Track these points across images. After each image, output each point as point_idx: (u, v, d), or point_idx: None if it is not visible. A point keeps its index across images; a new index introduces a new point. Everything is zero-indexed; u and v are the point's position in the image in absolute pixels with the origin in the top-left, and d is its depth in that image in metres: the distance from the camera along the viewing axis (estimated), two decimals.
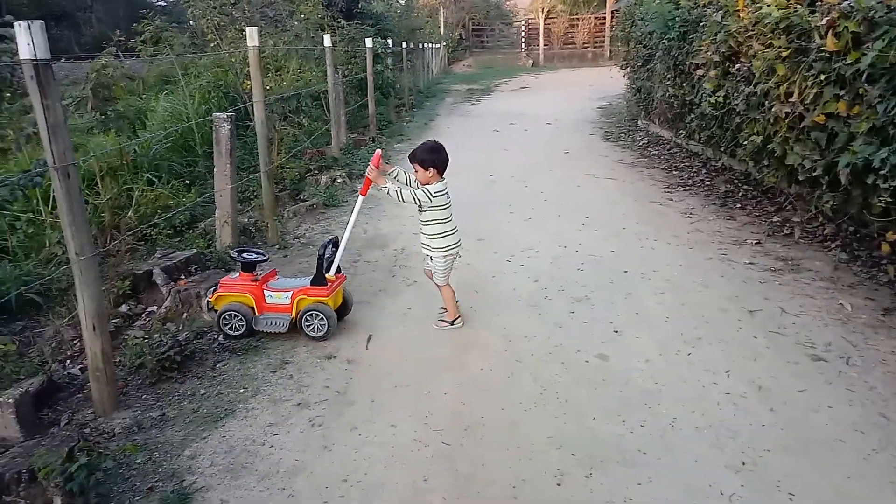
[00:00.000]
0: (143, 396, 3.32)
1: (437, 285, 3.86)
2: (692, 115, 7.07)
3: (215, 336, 3.87)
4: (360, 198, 3.73)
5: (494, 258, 5.17)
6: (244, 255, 3.87)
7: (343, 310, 3.93)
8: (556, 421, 2.97)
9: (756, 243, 5.24)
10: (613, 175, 7.87)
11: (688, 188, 7.07)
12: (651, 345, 3.67)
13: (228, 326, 3.78)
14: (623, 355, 3.54)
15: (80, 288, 2.92)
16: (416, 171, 3.64)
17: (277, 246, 5.51)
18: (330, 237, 3.99)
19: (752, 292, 4.31)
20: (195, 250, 4.92)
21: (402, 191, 3.51)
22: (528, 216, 6.29)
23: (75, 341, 3.90)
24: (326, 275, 3.76)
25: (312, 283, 3.74)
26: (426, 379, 3.36)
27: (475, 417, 3.03)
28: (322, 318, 3.72)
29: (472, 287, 4.58)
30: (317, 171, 7.88)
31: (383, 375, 3.42)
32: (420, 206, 3.58)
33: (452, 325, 3.89)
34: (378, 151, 3.63)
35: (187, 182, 6.69)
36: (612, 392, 3.18)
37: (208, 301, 3.93)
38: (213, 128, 4.99)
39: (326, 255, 3.83)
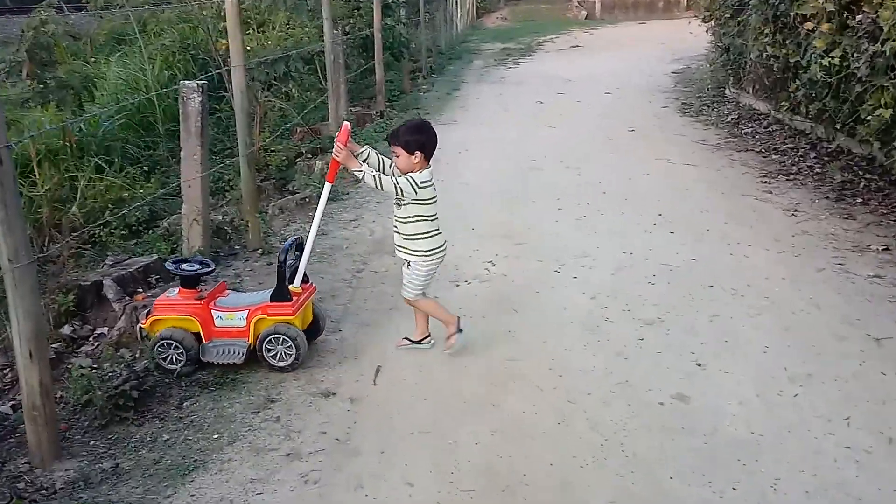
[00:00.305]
0: (92, 442, 3.35)
1: (407, 300, 3.91)
2: (798, 83, 7.04)
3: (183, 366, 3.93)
4: (327, 185, 3.78)
5: (538, 268, 5.19)
6: (183, 265, 3.90)
7: (314, 330, 3.97)
8: (620, 481, 2.95)
9: (883, 250, 5.20)
10: (693, 160, 7.85)
11: (791, 177, 7.03)
12: (745, 383, 3.66)
13: (166, 358, 3.80)
14: (708, 396, 3.53)
15: (12, 303, 2.97)
16: (397, 156, 3.70)
17: (260, 251, 5.57)
18: (292, 238, 4.02)
19: (878, 314, 4.27)
20: (156, 256, 4.99)
21: (381, 177, 3.59)
22: (581, 213, 6.31)
23: (5, 371, 3.96)
24: (290, 286, 3.79)
25: (273, 297, 3.76)
26: (451, 424, 3.37)
27: (515, 475, 3.01)
28: (288, 343, 3.74)
29: (510, 304, 4.60)
30: (309, 156, 7.93)
31: (396, 418, 3.44)
32: (401, 198, 3.64)
33: (419, 344, 3.98)
34: (346, 125, 3.74)
35: (146, 169, 6.70)
36: (694, 443, 3.16)
37: (140, 328, 3.95)
38: (180, 100, 5.06)
39: (289, 262, 3.86)
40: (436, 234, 3.80)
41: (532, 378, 3.73)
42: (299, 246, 3.94)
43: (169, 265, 3.94)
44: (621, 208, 6.36)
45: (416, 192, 3.64)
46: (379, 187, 3.59)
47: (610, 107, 10.80)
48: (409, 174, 3.66)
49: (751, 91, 9.76)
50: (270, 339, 3.75)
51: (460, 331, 3.94)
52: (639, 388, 3.59)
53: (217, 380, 3.83)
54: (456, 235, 5.76)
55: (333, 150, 3.65)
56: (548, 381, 3.69)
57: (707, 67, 12.08)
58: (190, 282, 3.88)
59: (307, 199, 6.74)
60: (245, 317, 3.78)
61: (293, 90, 9.26)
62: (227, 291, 4.03)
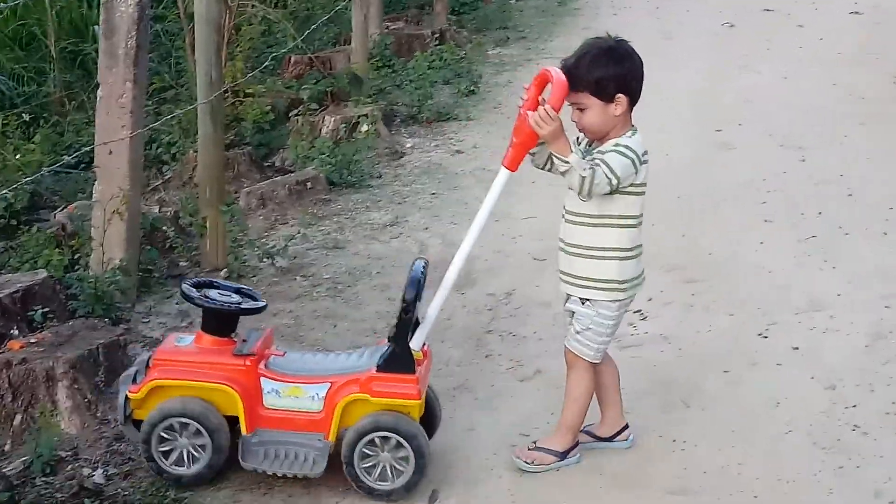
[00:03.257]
0: None
1: (577, 357, 4.05)
2: None
3: (106, 472, 3.95)
4: (505, 173, 3.88)
5: (729, 328, 5.11)
6: (210, 292, 4.01)
7: (429, 426, 4.09)
8: None
9: None
10: None
11: None
12: None
13: (169, 453, 3.86)
14: None
15: None
16: (580, 109, 3.85)
17: (226, 270, 5.64)
18: (422, 260, 4.08)
19: None
20: (45, 273, 5.04)
21: (593, 168, 3.78)
22: (807, 231, 6.18)
23: None
24: (413, 346, 3.93)
25: (385, 364, 3.85)
26: None
27: None
28: (403, 449, 3.84)
29: (676, 393, 4.51)
30: (315, 107, 8.00)
31: None
32: (614, 186, 3.78)
33: (562, 460, 4.09)
34: (557, 75, 3.77)
35: (25, 119, 6.90)
36: None
37: (125, 400, 3.94)
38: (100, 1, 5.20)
39: (405, 298, 3.92)
40: (639, 253, 3.98)
41: None
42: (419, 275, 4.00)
43: (187, 288, 4.02)
44: (882, 226, 6.19)
45: (636, 171, 3.79)
46: (586, 188, 3.70)
47: (860, 39, 10.50)
48: (614, 141, 3.80)
49: None
50: (374, 443, 3.82)
51: (563, 458, 4.07)
52: None
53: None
54: None
55: (533, 113, 3.71)
56: None
57: None
58: (222, 323, 3.97)
59: (309, 183, 6.78)
60: (324, 394, 3.86)
61: None
62: (281, 349, 4.15)
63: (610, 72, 3.74)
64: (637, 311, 5.12)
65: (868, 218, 6.25)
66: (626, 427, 4.20)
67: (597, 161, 3.75)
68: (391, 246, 6.03)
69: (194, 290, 3.99)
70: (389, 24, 10.18)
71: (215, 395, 3.86)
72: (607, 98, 3.74)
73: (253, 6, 8.47)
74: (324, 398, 3.86)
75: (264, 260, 5.77)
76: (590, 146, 3.89)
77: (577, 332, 3.99)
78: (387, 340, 3.93)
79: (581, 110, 3.80)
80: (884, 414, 4.30)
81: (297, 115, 7.72)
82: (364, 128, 7.59)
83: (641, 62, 3.87)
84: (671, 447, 4.12)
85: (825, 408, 4.33)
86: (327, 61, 8.58)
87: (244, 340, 3.98)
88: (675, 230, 6.12)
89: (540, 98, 3.80)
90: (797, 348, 4.80)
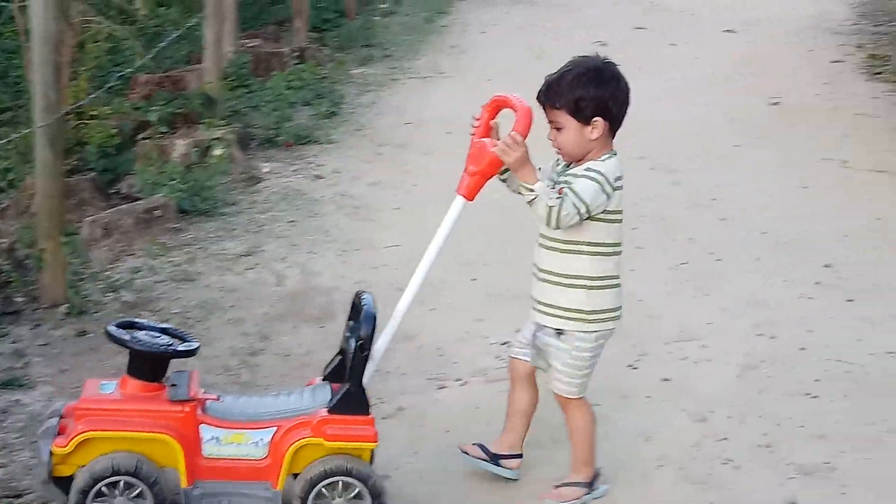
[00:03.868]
0: None
1: (565, 398, 4.11)
2: None
3: None
4: (461, 201, 3.97)
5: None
6: (139, 333, 3.94)
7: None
8: None
9: None
10: (892, 163, 7.86)
11: None
12: None
13: None
14: None
15: None
16: (558, 129, 3.92)
17: (65, 308, 5.52)
18: (367, 294, 4.06)
19: None
20: None
21: (552, 193, 3.82)
22: (679, 258, 6.31)
23: None
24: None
25: (337, 405, 3.86)
26: None
27: None
28: (359, 493, 3.85)
29: (544, 424, 4.46)
30: (164, 130, 7.91)
31: None
32: (583, 214, 3.83)
33: (591, 491, 4.15)
34: (517, 101, 3.88)
35: None
36: None
37: (49, 454, 3.78)
38: None
39: (361, 335, 3.91)
40: (614, 284, 4.02)
41: None
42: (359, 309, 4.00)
43: (115, 331, 3.91)
44: (756, 252, 6.38)
45: (609, 198, 3.83)
46: (553, 218, 3.74)
47: (734, 58, 10.88)
48: (587, 164, 3.85)
49: None
50: (329, 488, 3.81)
51: (590, 489, 4.13)
52: None
53: None
54: (440, 296, 5.75)
55: (499, 141, 3.79)
56: None
57: None
58: (153, 367, 3.89)
59: (157, 211, 6.69)
60: (269, 439, 3.83)
61: (137, 2, 9.38)
62: (217, 394, 4.05)
63: (590, 93, 3.80)
64: (504, 343, 5.12)
65: (741, 243, 6.45)
66: (519, 457, 4.22)
67: (565, 189, 3.77)
68: (246, 278, 6.00)
69: (123, 331, 3.87)
70: (246, 41, 10.12)
71: (151, 446, 3.76)
72: (584, 120, 3.81)
73: (99, 22, 8.29)
74: (268, 444, 3.81)
75: (108, 294, 5.68)
76: (568, 167, 3.93)
77: (559, 371, 4.03)
78: (322, 379, 3.96)
79: (558, 129, 3.86)
80: (755, 446, 4.42)
81: (145, 138, 7.61)
82: (217, 152, 7.53)
83: (628, 87, 3.90)
84: (539, 486, 4.13)
85: (696, 441, 4.45)
86: (178, 81, 8.52)
87: (174, 385, 3.88)
88: (506, 266, 6.10)
89: (492, 123, 3.87)
90: (668, 379, 4.92)
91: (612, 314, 4.00)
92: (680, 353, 5.21)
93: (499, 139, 3.83)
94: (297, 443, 3.77)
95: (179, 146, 7.51)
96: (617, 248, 3.96)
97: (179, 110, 8.13)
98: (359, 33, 11.68)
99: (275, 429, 3.81)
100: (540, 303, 4.01)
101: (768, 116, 9.03)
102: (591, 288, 3.91)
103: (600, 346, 4.04)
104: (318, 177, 7.75)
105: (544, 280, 3.97)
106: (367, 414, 3.84)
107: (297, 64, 10.04)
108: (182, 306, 5.63)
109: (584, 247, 3.88)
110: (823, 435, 4.54)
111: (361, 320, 3.86)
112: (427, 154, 8.21)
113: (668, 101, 9.40)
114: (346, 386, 3.83)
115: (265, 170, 7.85)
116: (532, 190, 3.73)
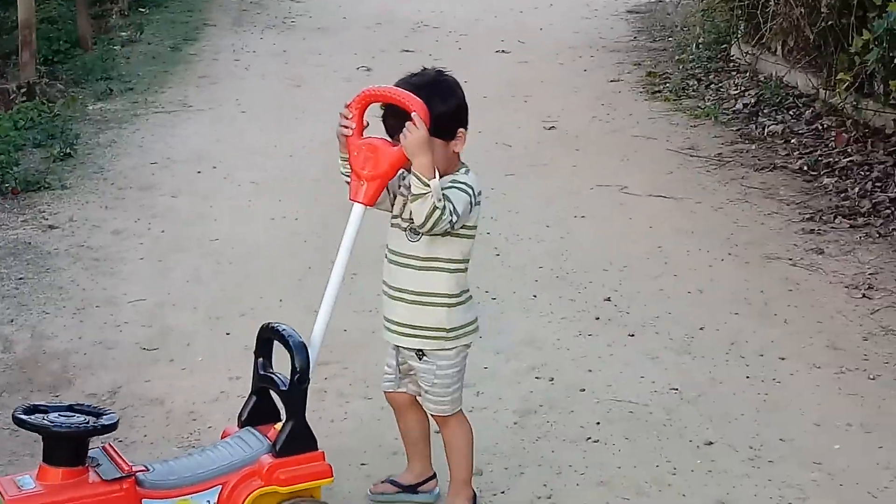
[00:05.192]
0: None
1: (440, 417, 4.37)
2: (869, 35, 7.49)
3: None
4: (360, 209, 4.12)
5: (365, 409, 5.34)
6: (50, 415, 3.94)
7: None
8: None
9: None
10: (672, 188, 8.25)
11: (860, 221, 7.52)
12: None
13: None
14: None
15: None
16: (406, 137, 4.02)
17: None
18: (282, 325, 4.17)
19: None
20: None
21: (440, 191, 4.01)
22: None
23: None
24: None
25: (284, 446, 3.99)
26: None
27: None
28: None
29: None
30: None
31: None
32: (453, 224, 4.05)
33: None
34: (394, 92, 4.08)
35: None
36: None
37: None
38: None
39: (297, 366, 4.02)
40: (469, 298, 4.29)
41: None
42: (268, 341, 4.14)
43: (25, 418, 3.89)
44: (531, 288, 6.68)
45: (471, 208, 4.08)
46: (432, 221, 3.92)
47: (508, 79, 11.09)
48: (451, 177, 4.08)
49: (780, 51, 10.34)
50: None
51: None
52: None
53: None
54: (189, 353, 5.98)
55: (403, 129, 3.93)
56: None
57: (695, 7, 12.73)
58: (75, 449, 3.88)
59: None
60: (216, 499, 3.94)
61: None
62: (145, 464, 4.07)
63: (449, 107, 4.05)
64: None
65: (517, 280, 6.68)
66: (434, 477, 4.52)
67: (452, 190, 4.00)
68: None
69: (38, 416, 3.86)
70: None
71: None
72: (449, 136, 4.05)
73: None
74: (216, 500, 3.91)
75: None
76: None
77: (427, 392, 4.26)
78: (240, 426, 4.12)
79: (405, 138, 3.94)
80: (535, 498, 4.62)
81: None
82: None
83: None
84: None
85: None
86: None
87: (98, 464, 3.88)
88: (304, 306, 6.10)
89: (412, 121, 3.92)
90: (438, 431, 4.76)
91: (471, 327, 4.26)
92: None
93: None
94: (250, 496, 3.89)
95: None
96: (468, 265, 4.22)
97: None
98: (96, 65, 11.65)
99: (220, 487, 3.91)
100: (395, 323, 4.21)
101: (543, 142, 9.36)
102: (452, 305, 4.16)
103: (464, 359, 4.29)
104: (52, 227, 7.67)
105: (398, 299, 4.17)
106: (316, 449, 4.00)
107: (25, 101, 9.98)
108: None
109: (444, 263, 4.11)
110: (605, 481, 4.77)
111: (293, 350, 3.96)
112: (175, 196, 8.28)
113: None
114: (290, 424, 3.96)
115: None
116: (428, 184, 3.86)
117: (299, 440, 4.00)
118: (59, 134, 9.37)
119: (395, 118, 4.03)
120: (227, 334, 6.19)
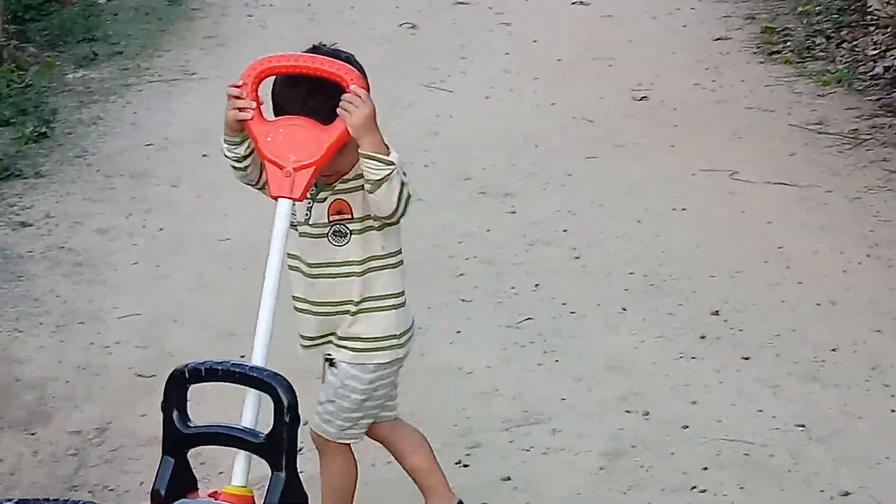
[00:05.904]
0: None
1: (320, 437, 4.35)
2: None
3: None
4: (287, 204, 3.93)
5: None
6: None
7: None
8: None
9: None
10: (794, 174, 8.00)
11: None
12: None
13: None
14: None
15: None
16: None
17: None
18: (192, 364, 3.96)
19: None
20: None
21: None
22: (519, 310, 6.42)
23: None
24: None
25: (282, 501, 3.89)
26: None
27: None
28: None
29: None
30: None
31: None
32: (398, 211, 4.02)
33: None
34: (331, 61, 3.91)
35: None
36: None
37: None
38: None
39: (287, 404, 3.87)
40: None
41: None
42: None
43: None
44: (620, 300, 6.39)
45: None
46: (403, 200, 3.95)
47: (585, 38, 11.05)
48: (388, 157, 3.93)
49: None
50: None
51: None
52: None
53: None
54: None
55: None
56: None
57: None
58: None
59: None
60: None
61: None
62: None
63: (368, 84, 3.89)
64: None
65: (601, 289, 6.47)
66: None
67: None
68: None
69: None
70: None
71: None
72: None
73: None
74: None
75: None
76: (330, 186, 4.04)
77: (320, 404, 4.21)
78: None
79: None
80: None
81: None
82: None
83: None
84: None
85: None
86: None
87: None
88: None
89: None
90: (509, 479, 4.85)
91: (413, 332, 4.29)
92: (523, 442, 5.15)
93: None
94: None
95: None
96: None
97: None
98: (77, 24, 11.54)
99: None
100: (337, 337, 4.18)
101: (633, 116, 9.12)
102: (398, 307, 4.17)
103: (390, 384, 4.28)
104: (24, 224, 7.62)
105: (338, 314, 4.14)
106: (307, 499, 3.84)
107: None
108: None
109: (386, 259, 4.14)
110: None
111: (275, 388, 3.75)
112: (175, 185, 8.17)
113: (500, 101, 9.52)
114: (281, 476, 3.77)
115: None
116: (392, 161, 3.83)
117: (293, 491, 3.84)
118: (32, 109, 9.30)
119: (318, 95, 3.90)
120: (242, 356, 5.86)
